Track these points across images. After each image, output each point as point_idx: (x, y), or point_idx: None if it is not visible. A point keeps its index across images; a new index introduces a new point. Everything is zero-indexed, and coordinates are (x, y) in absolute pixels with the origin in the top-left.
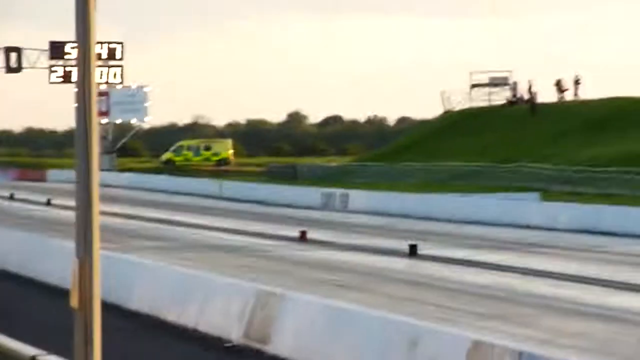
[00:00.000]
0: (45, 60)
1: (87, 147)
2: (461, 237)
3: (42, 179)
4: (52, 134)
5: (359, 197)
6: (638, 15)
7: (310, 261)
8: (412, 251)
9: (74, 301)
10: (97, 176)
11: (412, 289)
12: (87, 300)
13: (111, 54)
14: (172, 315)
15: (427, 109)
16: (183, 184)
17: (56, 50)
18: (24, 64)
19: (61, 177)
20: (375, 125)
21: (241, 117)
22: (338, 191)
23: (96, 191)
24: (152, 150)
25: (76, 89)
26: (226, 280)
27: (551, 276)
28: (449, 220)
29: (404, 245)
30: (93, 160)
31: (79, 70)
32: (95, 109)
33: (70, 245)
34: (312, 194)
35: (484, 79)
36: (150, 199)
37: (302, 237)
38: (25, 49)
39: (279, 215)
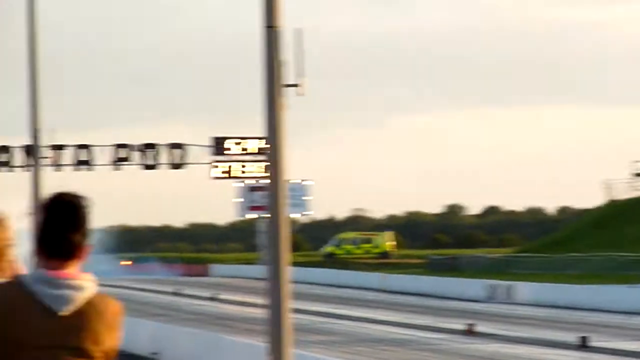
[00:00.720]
0: (207, 156)
1: (277, 246)
2: (632, 329)
3: (206, 274)
4: (213, 227)
5: (524, 289)
6: None
7: (479, 355)
8: (583, 343)
9: None
10: (287, 276)
11: None
12: None
13: None
14: None
15: (586, 199)
16: (345, 277)
17: (218, 146)
18: (187, 160)
19: (224, 272)
20: (535, 215)
21: (399, 210)
22: (502, 283)
23: (287, 290)
24: (312, 243)
25: (268, 184)
26: None
27: None
28: (618, 312)
29: (573, 338)
30: (283, 259)
31: (269, 166)
32: (286, 205)
33: (241, 341)
34: (476, 285)
35: None
36: (315, 292)
37: (469, 330)
38: (188, 145)
39: (443, 308)
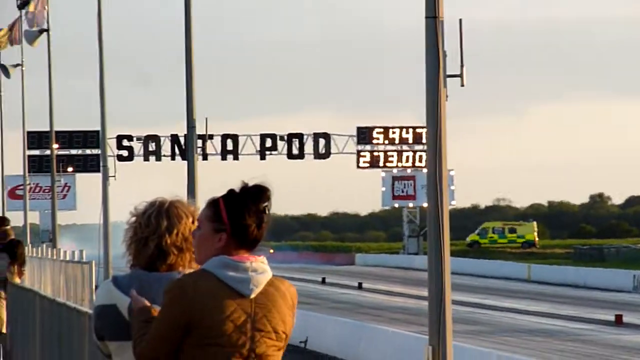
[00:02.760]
0: (353, 146)
1: (438, 236)
2: None
3: (351, 263)
4: (355, 217)
5: None
6: None
7: (629, 345)
8: None
9: None
10: (448, 267)
11: None
12: None
13: (417, 138)
14: None
15: None
16: (489, 266)
17: (363, 135)
18: (332, 149)
19: (368, 261)
20: None
21: (542, 199)
22: None
23: (448, 282)
24: (455, 232)
25: (429, 174)
26: None
27: None
28: None
29: None
30: (445, 251)
31: (430, 156)
32: (447, 195)
33: (389, 329)
34: (623, 276)
35: None
36: (459, 282)
37: (618, 321)
38: (334, 134)
39: (590, 298)
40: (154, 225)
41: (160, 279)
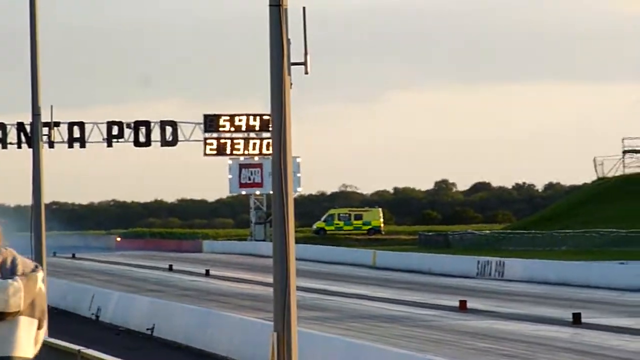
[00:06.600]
0: (200, 134)
1: (283, 223)
2: (623, 305)
3: (198, 250)
4: (203, 203)
5: (515, 265)
6: None
7: (472, 331)
8: (576, 320)
9: None
10: (293, 253)
11: (581, 358)
12: None
13: (264, 126)
14: None
15: (576, 175)
16: (335, 253)
17: (210, 123)
18: (179, 137)
19: (216, 248)
20: (524, 192)
21: (388, 186)
22: (493, 259)
23: (293, 268)
24: (301, 219)
25: (273, 161)
26: (397, 351)
27: None
28: (610, 288)
29: (566, 314)
30: (290, 237)
31: (275, 143)
32: (291, 182)
33: (235, 316)
34: (467, 262)
35: (638, 145)
36: (305, 268)
37: (462, 307)
38: (180, 122)
39: (435, 285)
40: None
41: None
